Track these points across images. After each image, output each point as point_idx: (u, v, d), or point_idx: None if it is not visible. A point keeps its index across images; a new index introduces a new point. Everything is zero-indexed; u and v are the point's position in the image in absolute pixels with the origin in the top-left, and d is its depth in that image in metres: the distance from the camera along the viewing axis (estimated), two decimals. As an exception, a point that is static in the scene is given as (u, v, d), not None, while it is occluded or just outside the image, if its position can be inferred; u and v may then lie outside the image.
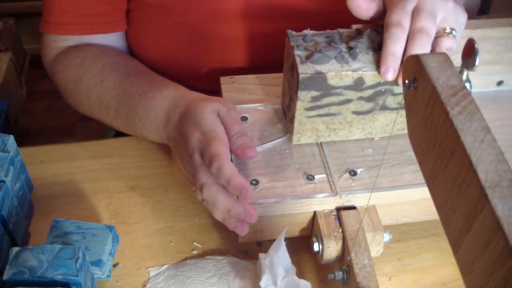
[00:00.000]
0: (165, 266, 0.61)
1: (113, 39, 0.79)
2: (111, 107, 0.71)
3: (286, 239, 0.56)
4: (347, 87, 0.58)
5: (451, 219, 0.36)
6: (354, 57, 0.57)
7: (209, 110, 0.58)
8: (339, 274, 0.56)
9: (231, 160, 0.55)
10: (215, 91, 0.72)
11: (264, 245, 0.64)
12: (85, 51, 0.76)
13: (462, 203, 0.34)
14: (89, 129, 1.88)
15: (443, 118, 0.35)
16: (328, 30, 0.60)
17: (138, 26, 0.79)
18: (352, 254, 0.55)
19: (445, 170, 0.35)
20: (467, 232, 0.34)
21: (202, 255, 0.63)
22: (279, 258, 0.56)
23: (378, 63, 0.57)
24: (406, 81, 0.40)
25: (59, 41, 0.78)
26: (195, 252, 0.63)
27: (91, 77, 0.72)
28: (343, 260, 0.57)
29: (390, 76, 0.55)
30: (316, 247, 0.57)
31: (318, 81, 0.56)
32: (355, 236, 0.56)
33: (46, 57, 0.80)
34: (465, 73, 0.37)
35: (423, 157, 0.39)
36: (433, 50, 0.55)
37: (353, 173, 0.60)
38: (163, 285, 0.59)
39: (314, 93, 0.57)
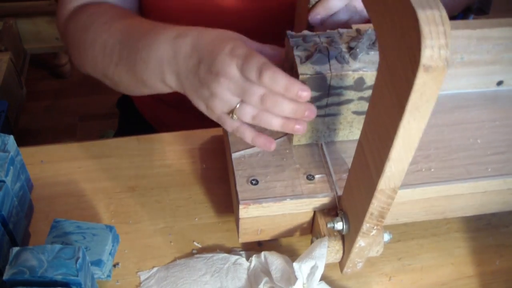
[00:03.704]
0: (155, 269, 0.61)
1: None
2: (115, 52, 0.68)
3: (285, 239, 0.56)
4: (348, 87, 0.58)
5: None
6: (354, 57, 0.57)
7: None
8: (337, 220, 0.55)
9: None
10: None
11: (264, 245, 0.64)
12: (98, 5, 0.75)
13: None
14: (89, 129, 1.88)
15: None
16: (328, 30, 0.60)
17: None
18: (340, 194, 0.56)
19: None
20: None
21: (202, 255, 0.63)
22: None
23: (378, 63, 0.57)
24: None
25: (74, 0, 0.77)
26: (195, 252, 0.63)
27: (99, 25, 0.71)
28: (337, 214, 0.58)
29: None
30: (316, 247, 0.57)
31: (318, 81, 0.56)
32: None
33: (60, 17, 0.79)
34: None
35: None
36: None
37: (353, 173, 0.60)
38: None
39: (314, 94, 0.57)
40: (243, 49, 0.52)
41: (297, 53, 0.57)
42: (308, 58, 0.56)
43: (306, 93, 0.51)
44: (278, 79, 0.50)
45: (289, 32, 0.60)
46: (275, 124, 0.55)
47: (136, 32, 0.65)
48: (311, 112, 0.53)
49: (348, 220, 0.55)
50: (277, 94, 0.52)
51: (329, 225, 0.55)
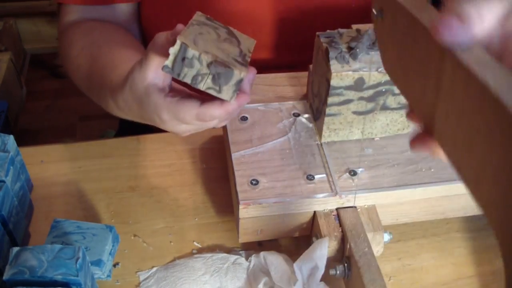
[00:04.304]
0: (154, 269, 0.61)
1: (122, 12, 0.78)
2: (86, 85, 0.70)
3: (285, 239, 0.56)
4: (348, 87, 0.58)
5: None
6: (354, 57, 0.57)
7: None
8: (339, 268, 0.55)
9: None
10: None
11: (264, 245, 0.64)
12: (83, 26, 0.75)
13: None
14: (89, 129, 1.88)
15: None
16: (328, 31, 0.60)
17: (153, 7, 0.78)
18: (352, 244, 0.54)
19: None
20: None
21: (202, 255, 0.63)
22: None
23: (378, 63, 0.57)
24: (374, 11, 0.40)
25: (71, 13, 0.77)
26: (195, 252, 0.63)
27: (74, 56, 0.72)
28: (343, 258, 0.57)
29: None
30: (316, 247, 0.57)
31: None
32: (354, 229, 0.56)
33: (59, 28, 0.80)
34: None
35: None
36: None
37: (353, 173, 0.60)
38: None
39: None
40: (166, 114, 0.52)
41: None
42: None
43: (243, 99, 0.51)
44: (217, 114, 0.51)
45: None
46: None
47: (94, 79, 0.67)
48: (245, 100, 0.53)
49: (351, 270, 0.54)
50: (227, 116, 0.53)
51: (331, 272, 0.55)
